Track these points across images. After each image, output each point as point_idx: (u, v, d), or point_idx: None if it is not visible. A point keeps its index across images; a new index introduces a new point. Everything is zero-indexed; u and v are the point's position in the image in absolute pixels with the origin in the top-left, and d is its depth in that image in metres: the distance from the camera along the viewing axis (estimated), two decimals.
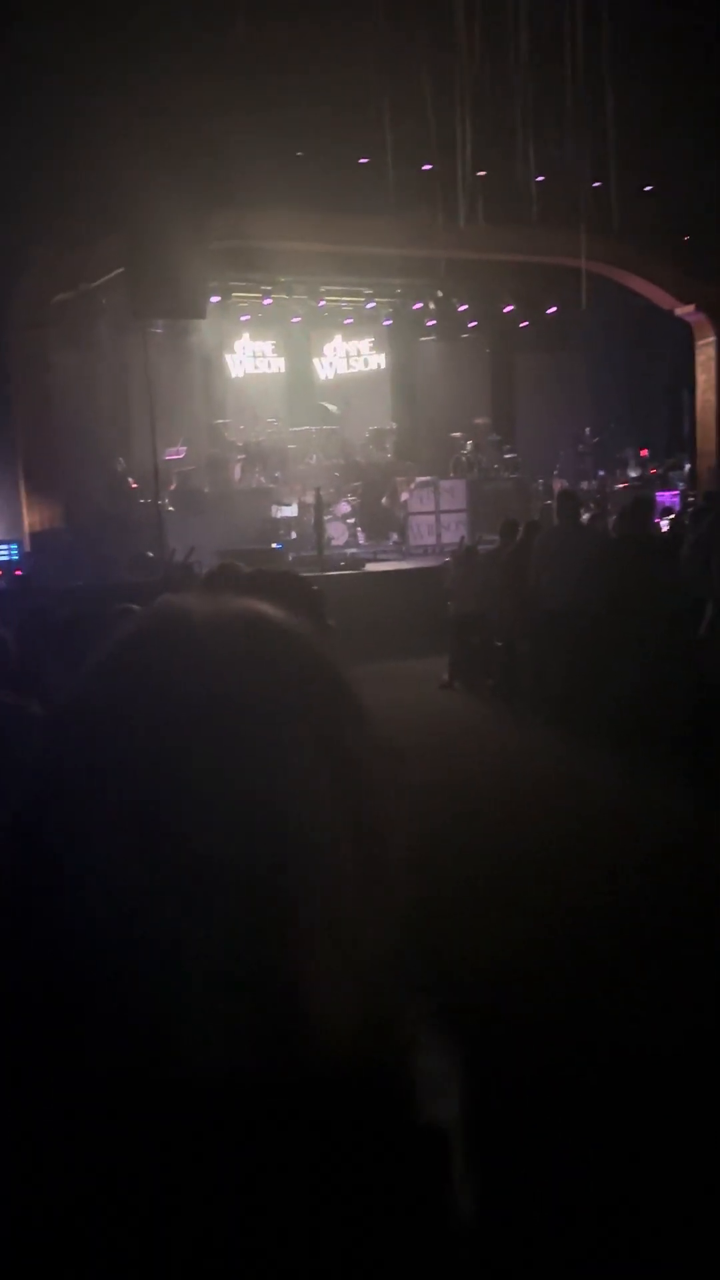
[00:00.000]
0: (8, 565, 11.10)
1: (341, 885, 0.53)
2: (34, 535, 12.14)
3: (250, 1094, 0.50)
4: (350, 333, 19.21)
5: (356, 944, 0.54)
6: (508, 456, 17.21)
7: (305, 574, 10.89)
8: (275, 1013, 0.50)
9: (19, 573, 10.95)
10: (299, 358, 18.86)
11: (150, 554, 11.49)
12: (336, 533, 14.71)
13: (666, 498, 15.24)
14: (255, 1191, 0.50)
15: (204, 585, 3.02)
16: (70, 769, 0.53)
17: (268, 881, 0.51)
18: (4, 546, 11.35)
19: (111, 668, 0.56)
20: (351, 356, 19.41)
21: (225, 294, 16.45)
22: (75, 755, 0.53)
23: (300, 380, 18.80)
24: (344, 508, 15.38)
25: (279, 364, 18.82)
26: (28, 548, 11.82)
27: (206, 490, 15.04)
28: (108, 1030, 0.50)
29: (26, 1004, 0.51)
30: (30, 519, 12.25)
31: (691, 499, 14.66)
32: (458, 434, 17.25)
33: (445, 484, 15.25)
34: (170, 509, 13.35)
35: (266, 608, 0.59)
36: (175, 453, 15.22)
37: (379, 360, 19.52)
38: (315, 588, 2.04)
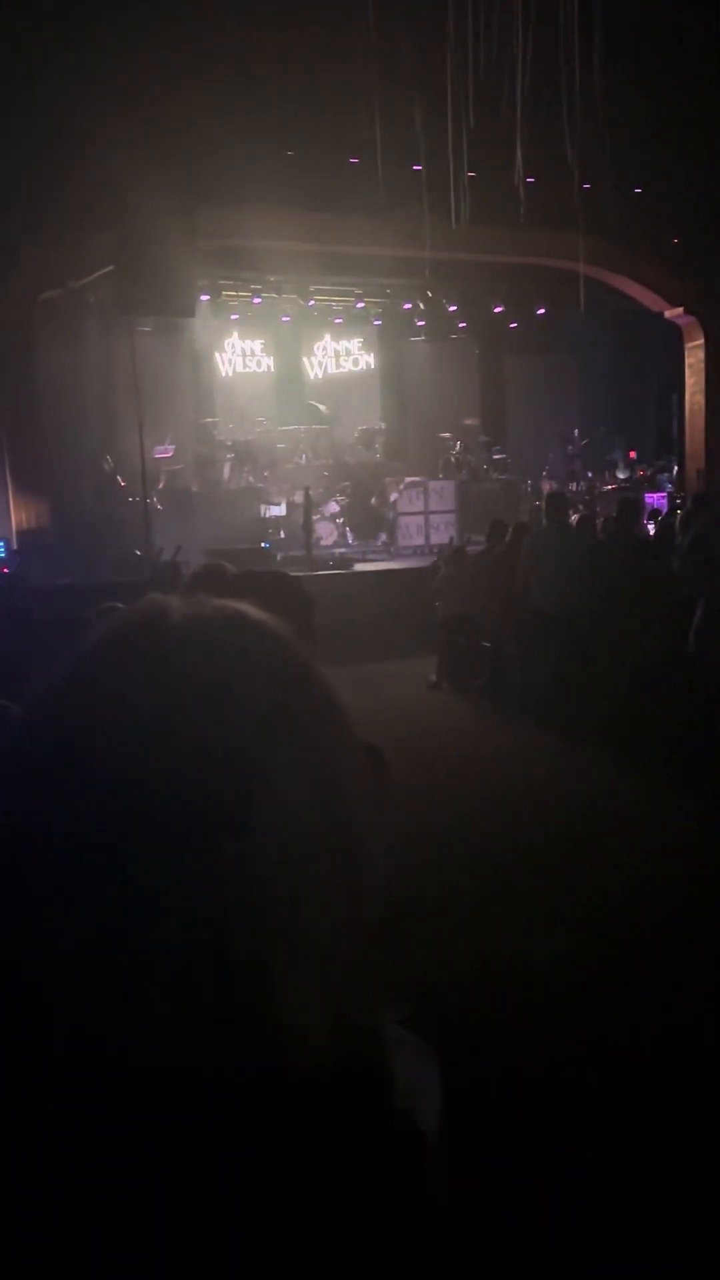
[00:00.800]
0: None
1: (316, 887, 0.53)
2: (21, 533, 12.10)
3: (225, 1091, 0.50)
4: (340, 332, 19.22)
5: (331, 942, 0.53)
6: (497, 457, 17.25)
7: (294, 574, 10.88)
8: (247, 1015, 0.50)
9: (4, 570, 10.91)
10: (288, 357, 18.85)
11: (138, 552, 11.47)
12: (325, 532, 14.71)
13: (654, 500, 15.31)
14: (233, 1189, 0.50)
15: (189, 584, 2.99)
16: (44, 764, 0.53)
17: (241, 882, 0.50)
18: None
19: (88, 665, 0.56)
20: (341, 356, 19.41)
21: (215, 293, 16.44)
22: (49, 751, 0.53)
23: (289, 380, 18.79)
24: (333, 507, 15.39)
25: (268, 363, 18.81)
26: (14, 546, 11.78)
27: (195, 489, 15.02)
28: (76, 1026, 0.49)
29: (6, 980, 0.51)
30: (17, 517, 12.21)
31: (679, 501, 14.73)
32: (447, 435, 17.27)
33: (434, 484, 15.27)
34: (158, 508, 13.32)
35: (246, 608, 0.59)
36: (164, 451, 15.19)
37: (368, 360, 19.53)
38: (306, 589, 2.01)
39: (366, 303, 18.48)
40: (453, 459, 16.71)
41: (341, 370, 19.39)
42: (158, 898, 0.49)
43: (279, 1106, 0.51)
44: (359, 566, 13.26)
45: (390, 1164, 0.55)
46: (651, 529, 11.14)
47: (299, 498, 13.93)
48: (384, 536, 15.35)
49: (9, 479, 12.20)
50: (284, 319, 18.03)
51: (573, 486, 16.48)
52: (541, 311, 18.34)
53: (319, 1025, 0.52)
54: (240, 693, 0.54)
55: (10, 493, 12.20)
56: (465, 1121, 0.69)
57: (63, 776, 0.51)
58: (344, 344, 19.37)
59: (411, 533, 14.84)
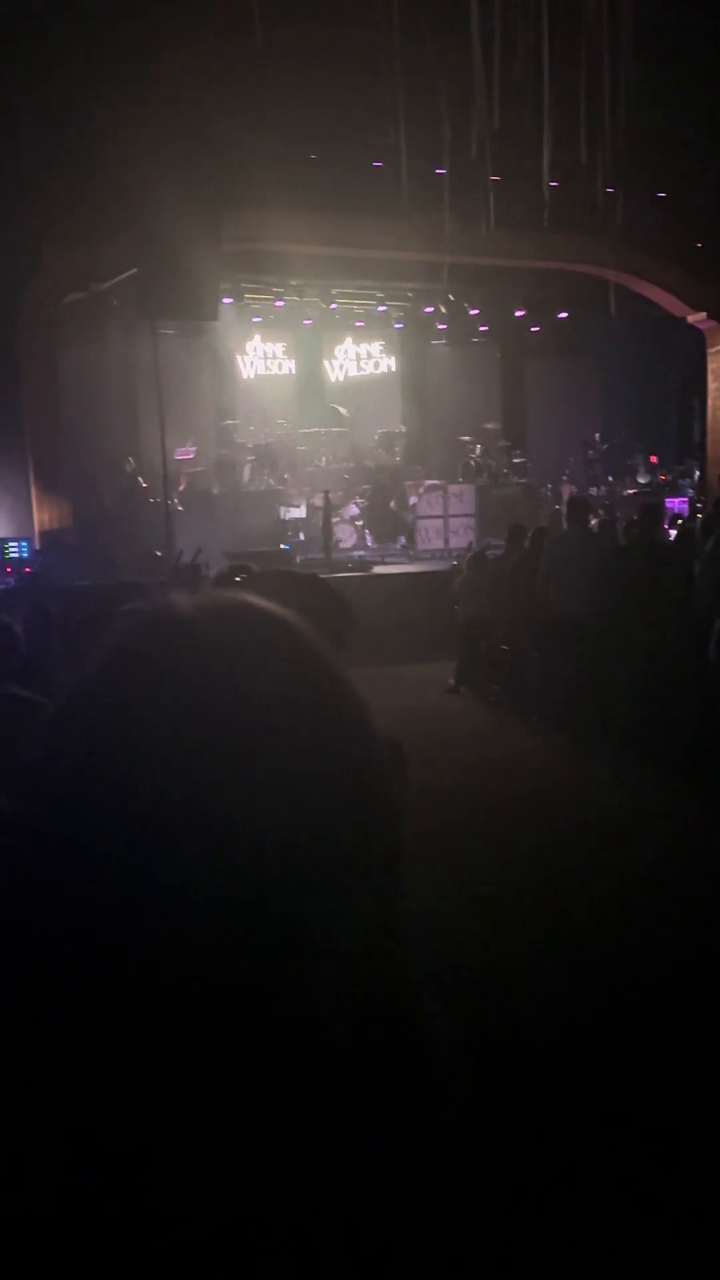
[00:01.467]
0: (18, 563, 11.14)
1: (344, 872, 0.53)
2: (43, 534, 12.18)
3: (258, 1075, 0.50)
4: (361, 335, 19.24)
5: (361, 929, 0.54)
6: (517, 461, 17.21)
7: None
8: (280, 1001, 0.51)
9: (28, 570, 10.98)
10: (309, 360, 18.89)
11: (158, 553, 11.52)
12: (344, 535, 14.73)
13: (675, 504, 15.24)
14: (265, 1163, 0.51)
15: (213, 586, 3.00)
16: (72, 763, 0.53)
17: (270, 871, 0.51)
18: (14, 544, 11.39)
19: (108, 664, 0.56)
20: (362, 359, 19.43)
21: (237, 296, 16.50)
22: (76, 750, 0.53)
23: (310, 382, 18.83)
24: (352, 510, 15.40)
25: (289, 366, 18.85)
26: (37, 546, 11.86)
27: (215, 491, 15.07)
28: (107, 1017, 0.50)
29: (27, 991, 0.51)
30: (40, 517, 12.29)
31: (700, 506, 14.66)
32: (467, 438, 17.26)
33: (454, 488, 15.26)
34: (179, 509, 13.38)
35: (254, 598, 0.60)
36: (185, 453, 15.26)
37: (389, 363, 19.54)
38: (340, 594, 1.97)
39: (388, 306, 18.50)
40: (473, 463, 16.69)
41: (362, 373, 19.41)
42: (187, 884, 0.49)
43: (313, 1077, 0.51)
44: (378, 569, 13.27)
45: (430, 1132, 0.56)
46: (673, 534, 11.10)
47: (319, 500, 13.95)
48: (403, 540, 15.35)
49: (32, 480, 12.29)
50: (305, 322, 18.07)
51: (593, 491, 16.41)
52: (563, 315, 18.29)
53: (352, 1002, 0.52)
54: (257, 680, 0.54)
55: (34, 493, 12.29)
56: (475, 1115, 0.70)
57: (91, 772, 0.52)
58: (365, 347, 19.39)
59: (431, 536, 14.83)
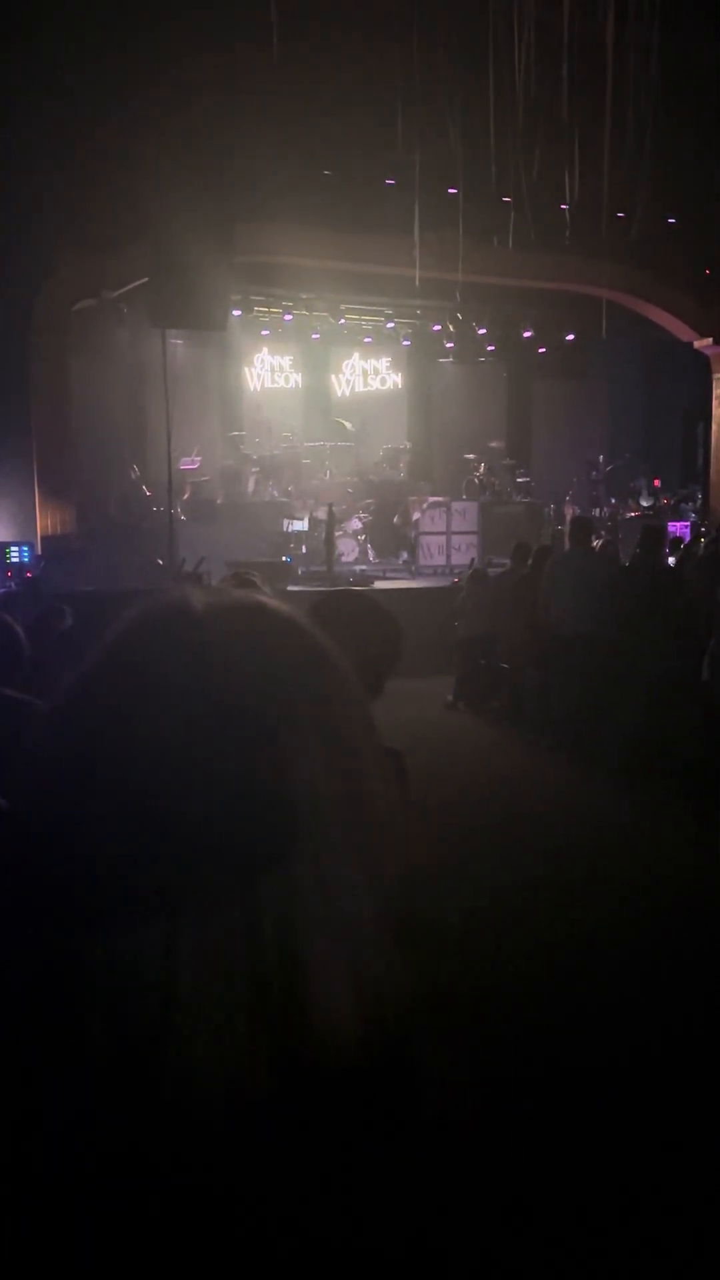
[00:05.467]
0: (19, 568, 11.14)
1: (340, 871, 0.53)
2: (46, 539, 12.19)
3: (251, 1083, 0.50)
4: (369, 351, 19.32)
5: (354, 929, 0.53)
6: (520, 481, 17.26)
7: (316, 588, 10.89)
8: (275, 1001, 0.50)
9: (29, 575, 10.98)
10: (317, 374, 18.96)
11: (160, 562, 11.53)
12: (347, 549, 14.75)
13: (678, 528, 15.28)
14: (260, 1183, 0.50)
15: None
16: (72, 759, 0.53)
17: (268, 868, 0.50)
18: (16, 548, 11.39)
19: (113, 658, 0.56)
20: (369, 375, 19.51)
21: (246, 308, 16.57)
22: (77, 746, 0.53)
23: (317, 396, 18.90)
24: (355, 524, 15.44)
25: (296, 379, 18.92)
26: (39, 551, 11.87)
27: (219, 501, 15.11)
28: (103, 1018, 0.49)
29: (19, 990, 0.51)
30: (43, 522, 12.30)
31: (704, 530, 14.68)
32: (471, 456, 17.32)
33: (457, 505, 15.30)
34: (182, 518, 13.40)
35: (266, 598, 0.60)
36: (190, 463, 15.30)
37: (396, 380, 19.61)
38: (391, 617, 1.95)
39: (396, 323, 18.56)
40: (476, 480, 16.74)
41: (369, 389, 19.48)
42: (186, 879, 0.49)
43: (308, 1099, 0.51)
44: (379, 584, 13.27)
45: (420, 1150, 0.56)
46: (672, 560, 11.11)
47: (322, 513, 13.98)
48: (405, 555, 15.37)
49: (37, 485, 12.31)
50: (314, 336, 18.15)
51: (596, 512, 16.47)
52: (571, 338, 18.37)
53: (344, 1005, 0.52)
54: (262, 679, 0.54)
55: (38, 498, 12.30)
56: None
57: (92, 767, 0.51)
58: (372, 363, 19.46)
59: (433, 552, 14.86)
